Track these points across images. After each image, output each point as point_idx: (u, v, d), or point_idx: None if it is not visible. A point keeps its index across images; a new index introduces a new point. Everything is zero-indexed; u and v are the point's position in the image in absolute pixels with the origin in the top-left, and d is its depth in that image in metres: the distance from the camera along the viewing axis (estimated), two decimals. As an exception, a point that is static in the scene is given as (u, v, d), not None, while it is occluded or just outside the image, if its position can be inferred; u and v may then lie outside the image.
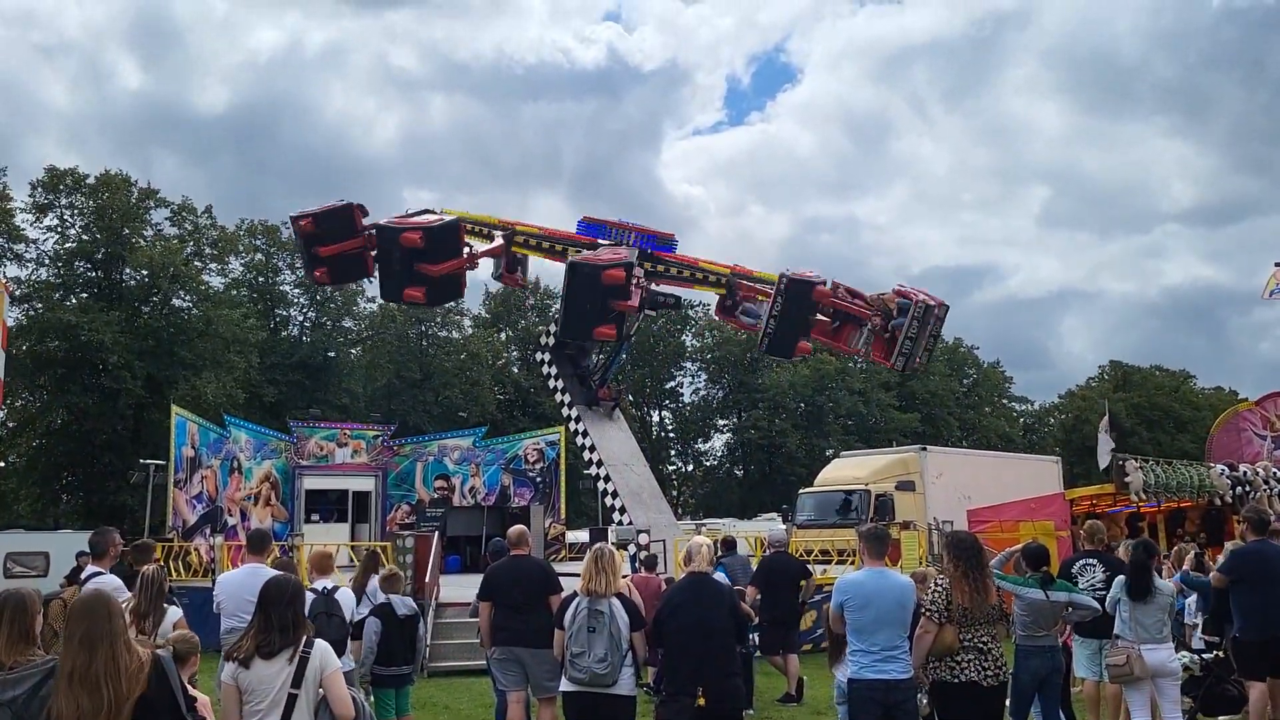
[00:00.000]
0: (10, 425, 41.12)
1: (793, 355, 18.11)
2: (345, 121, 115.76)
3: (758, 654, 11.80)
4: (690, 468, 67.71)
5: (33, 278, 40.28)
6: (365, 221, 17.32)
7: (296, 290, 50.43)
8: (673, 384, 64.73)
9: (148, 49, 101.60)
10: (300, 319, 51.44)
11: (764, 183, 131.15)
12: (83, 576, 7.96)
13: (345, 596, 7.91)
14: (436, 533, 18.22)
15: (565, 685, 6.60)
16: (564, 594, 7.25)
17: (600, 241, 18.07)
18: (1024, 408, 76.63)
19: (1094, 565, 8.81)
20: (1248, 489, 17.61)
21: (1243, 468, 18.56)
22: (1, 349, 19.73)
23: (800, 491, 28.94)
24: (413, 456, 28.30)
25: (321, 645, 4.65)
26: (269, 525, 23.72)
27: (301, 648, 4.53)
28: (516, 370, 58.74)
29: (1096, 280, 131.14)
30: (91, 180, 40.51)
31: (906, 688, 6.00)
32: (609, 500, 17.86)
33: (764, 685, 11.71)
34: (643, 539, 15.96)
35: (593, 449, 17.95)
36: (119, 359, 37.13)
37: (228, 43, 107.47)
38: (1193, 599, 10.52)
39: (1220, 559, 10.10)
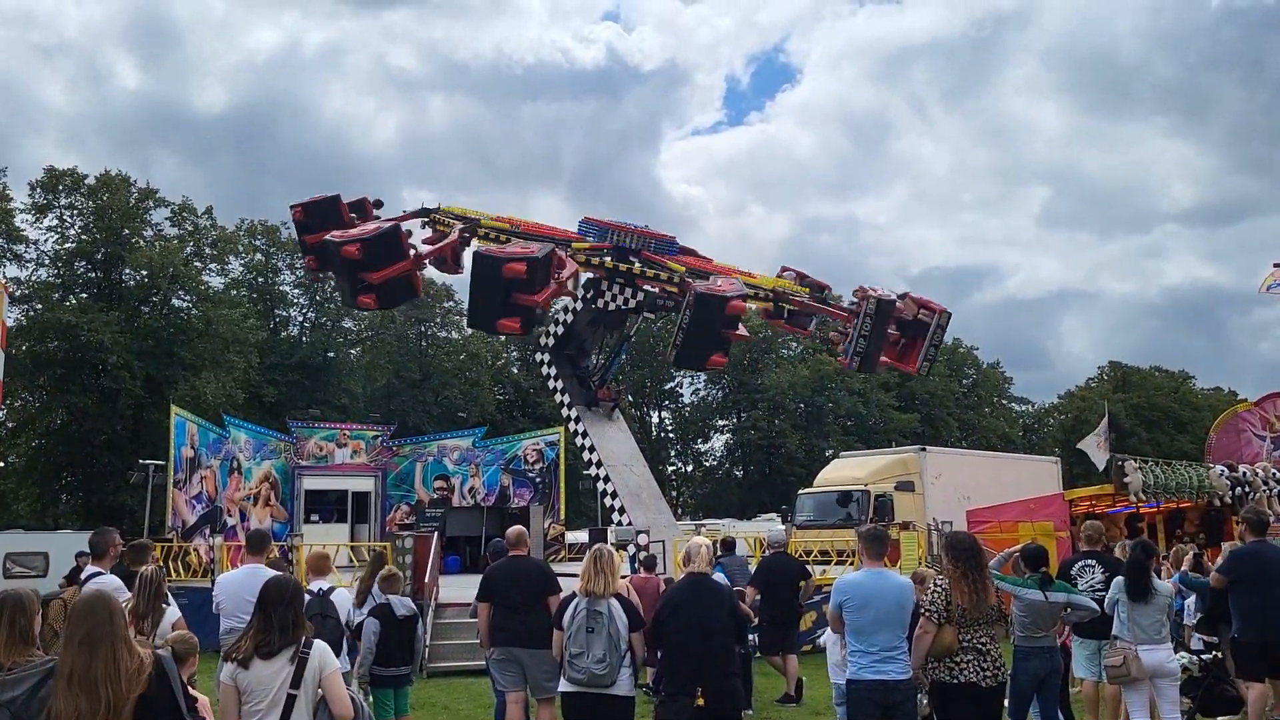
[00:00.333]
0: (10, 425, 41.13)
1: (876, 369, 19.46)
2: (344, 122, 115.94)
3: (757, 654, 11.80)
4: (690, 468, 67.78)
5: (32, 278, 40.37)
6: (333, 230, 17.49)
7: (296, 290, 50.48)
8: (672, 384, 64.74)
9: (146, 49, 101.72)
10: (300, 319, 51.47)
11: (763, 183, 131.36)
12: (82, 577, 7.95)
13: (341, 598, 7.89)
14: (436, 533, 18.22)
15: (564, 686, 6.61)
16: (563, 594, 7.26)
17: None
18: (1023, 408, 76.69)
19: (1093, 566, 8.82)
20: (1247, 490, 17.58)
21: (1242, 468, 18.54)
22: (1, 349, 19.72)
23: (800, 492, 28.97)
24: (412, 457, 28.30)
25: (320, 646, 4.65)
26: (268, 526, 23.70)
27: (300, 648, 4.53)
28: (516, 370, 58.76)
29: (1096, 280, 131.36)
30: (91, 181, 40.54)
31: (905, 688, 6.00)
32: (608, 501, 17.86)
33: (763, 686, 11.71)
34: (642, 539, 15.95)
35: (592, 449, 17.95)
36: (118, 359, 37.13)
37: (226, 43, 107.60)
38: (1192, 599, 10.52)
39: (1219, 560, 10.11)
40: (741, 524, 39.35)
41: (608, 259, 17.82)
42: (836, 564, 17.24)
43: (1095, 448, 20.26)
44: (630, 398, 56.64)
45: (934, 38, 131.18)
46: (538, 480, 27.53)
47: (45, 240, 40.43)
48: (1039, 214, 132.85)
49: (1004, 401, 73.75)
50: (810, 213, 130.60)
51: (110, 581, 7.12)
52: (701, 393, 65.22)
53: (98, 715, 3.65)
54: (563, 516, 27.76)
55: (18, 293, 38.54)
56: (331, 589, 7.89)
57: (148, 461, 27.10)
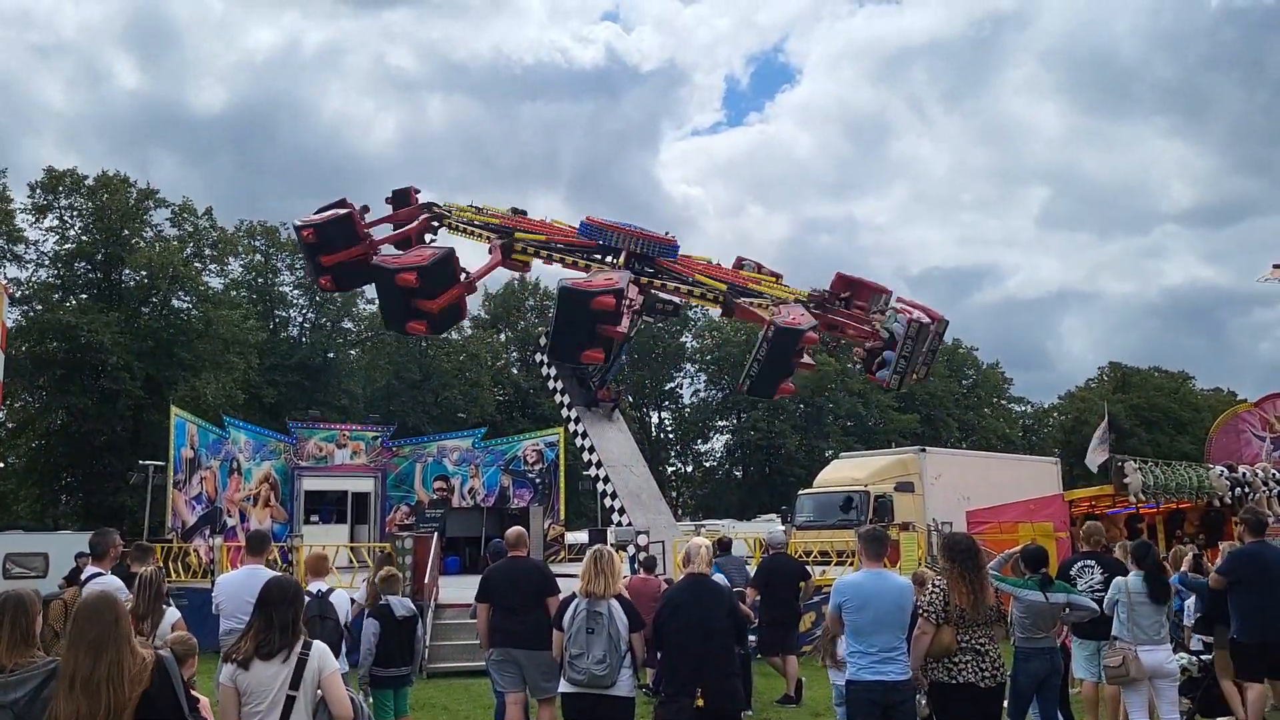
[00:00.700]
0: (10, 426, 41.13)
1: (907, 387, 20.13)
2: (343, 122, 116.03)
3: (757, 655, 11.80)
4: (690, 469, 67.77)
5: (32, 279, 40.37)
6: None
7: (296, 291, 50.47)
8: (672, 385, 64.81)
9: (144, 49, 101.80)
10: (300, 320, 51.48)
11: (763, 183, 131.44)
12: (83, 578, 7.94)
13: (340, 599, 7.88)
14: (435, 534, 18.21)
15: (564, 686, 6.61)
16: (562, 595, 7.25)
17: (597, 251, 18.12)
18: (1023, 409, 76.70)
19: (1092, 567, 8.82)
20: (1247, 490, 17.58)
21: (1242, 469, 18.53)
22: (1, 350, 19.71)
23: (799, 493, 28.95)
24: (412, 458, 28.30)
25: (320, 647, 4.65)
26: (268, 526, 23.70)
27: (300, 649, 4.53)
28: (516, 371, 58.74)
29: (1096, 281, 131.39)
30: (90, 181, 40.52)
31: (905, 689, 6.01)
32: (608, 501, 17.86)
33: (763, 686, 11.71)
34: (642, 540, 15.95)
35: (592, 450, 17.95)
36: (118, 360, 37.12)
37: (225, 43, 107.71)
38: (1192, 600, 10.52)
39: (1218, 561, 10.11)
40: (741, 525, 39.36)
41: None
42: (836, 565, 17.24)
43: (1100, 446, 20.20)
44: (630, 398, 56.64)
45: (933, 38, 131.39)
46: (537, 481, 27.52)
47: (45, 241, 40.53)
48: (1038, 214, 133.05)
49: (1004, 402, 73.78)
50: (810, 213, 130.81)
51: (111, 582, 7.11)
52: (701, 393, 65.32)
53: (98, 718, 3.64)
54: (562, 517, 27.76)
55: (18, 293, 38.54)
56: (330, 590, 7.88)
57: (148, 462, 27.10)
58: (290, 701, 4.44)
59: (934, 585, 6.47)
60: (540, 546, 23.64)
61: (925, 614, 6.19)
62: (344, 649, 7.71)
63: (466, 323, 57.93)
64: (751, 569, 13.11)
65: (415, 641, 8.84)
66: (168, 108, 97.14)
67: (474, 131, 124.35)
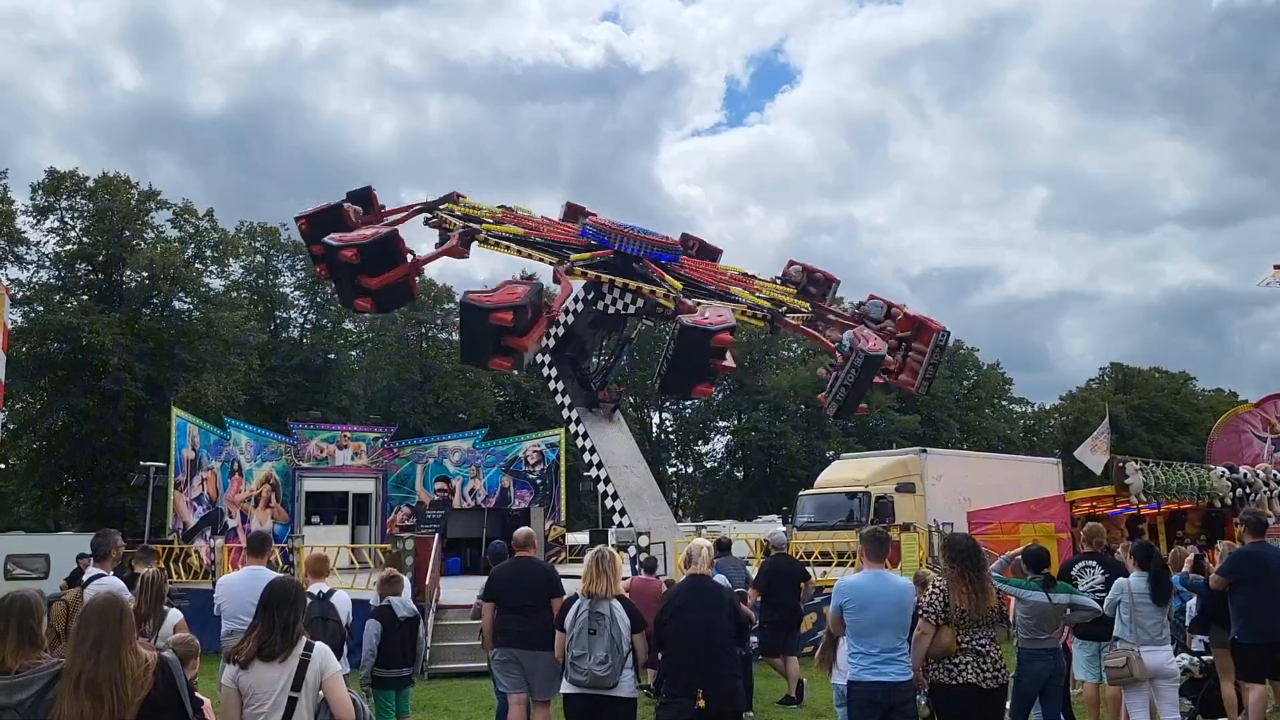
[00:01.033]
0: (11, 428, 41.11)
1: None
2: (342, 122, 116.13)
3: (758, 656, 11.80)
4: (690, 469, 67.74)
5: (33, 280, 40.41)
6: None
7: (297, 293, 50.49)
8: (673, 386, 64.63)
9: (143, 50, 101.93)
10: (300, 321, 51.49)
11: (763, 184, 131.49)
12: (84, 579, 7.96)
13: (341, 600, 7.88)
14: (436, 535, 18.23)
15: (566, 687, 6.61)
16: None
17: (586, 250, 18.13)
18: (1024, 410, 76.65)
19: (1093, 567, 8.83)
20: (1248, 491, 17.60)
21: (1243, 470, 18.56)
22: (2, 351, 19.70)
23: (800, 493, 28.93)
24: (413, 458, 28.31)
25: (321, 648, 4.65)
26: (269, 527, 23.72)
27: (301, 650, 4.53)
28: (516, 372, 58.70)
29: (1096, 282, 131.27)
30: (91, 183, 40.55)
31: (906, 690, 6.01)
32: (609, 502, 17.87)
33: (764, 687, 11.71)
34: (643, 541, 15.96)
35: (593, 451, 17.96)
36: (119, 361, 37.15)
37: (224, 44, 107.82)
38: (1192, 601, 10.52)
39: (1218, 561, 10.10)
40: (742, 525, 39.32)
41: (604, 275, 17.78)
42: (837, 565, 17.24)
43: (1090, 452, 20.27)
44: (631, 399, 56.63)
45: (933, 39, 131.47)
46: (538, 482, 27.54)
47: (46, 242, 40.56)
48: (1038, 215, 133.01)
49: (1004, 403, 73.70)
50: (809, 214, 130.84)
51: (112, 583, 7.12)
52: (702, 394, 65.19)
53: (102, 719, 3.65)
54: (563, 518, 27.79)
55: (19, 295, 38.58)
56: (332, 591, 7.88)
57: (149, 463, 27.10)
58: (292, 703, 4.44)
59: (934, 586, 6.47)
60: (541, 547, 23.63)
61: (925, 615, 6.20)
62: (345, 650, 7.71)
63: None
64: (752, 570, 13.12)
65: (417, 642, 8.84)
66: (167, 108, 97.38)
67: (473, 132, 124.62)
